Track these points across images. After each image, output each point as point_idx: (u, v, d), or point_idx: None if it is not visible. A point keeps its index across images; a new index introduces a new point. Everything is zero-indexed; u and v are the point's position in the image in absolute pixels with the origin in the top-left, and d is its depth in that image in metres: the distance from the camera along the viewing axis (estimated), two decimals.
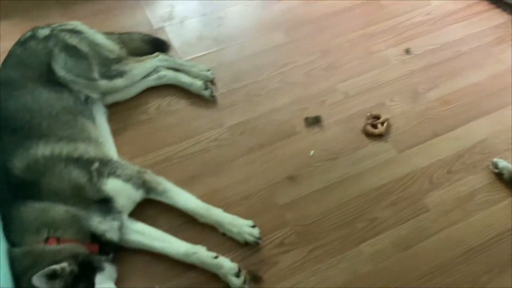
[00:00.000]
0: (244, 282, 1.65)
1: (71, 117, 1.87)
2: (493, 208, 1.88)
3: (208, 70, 2.33)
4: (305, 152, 2.06)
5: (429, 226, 1.83)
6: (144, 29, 2.51)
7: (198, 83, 2.25)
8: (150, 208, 1.84)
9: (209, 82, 2.29)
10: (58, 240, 1.53)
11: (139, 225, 1.77)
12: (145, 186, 1.81)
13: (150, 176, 1.85)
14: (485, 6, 2.72)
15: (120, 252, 1.71)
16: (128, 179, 1.78)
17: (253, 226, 1.79)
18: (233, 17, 2.69)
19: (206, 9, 2.73)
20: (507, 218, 1.84)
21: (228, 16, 2.69)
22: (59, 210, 1.59)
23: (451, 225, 1.83)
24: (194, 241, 1.73)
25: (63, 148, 1.71)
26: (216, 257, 1.68)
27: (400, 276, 1.70)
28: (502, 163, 1.95)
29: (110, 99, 2.18)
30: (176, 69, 2.32)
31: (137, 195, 1.80)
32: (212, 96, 2.24)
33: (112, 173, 1.75)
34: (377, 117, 2.15)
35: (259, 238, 1.77)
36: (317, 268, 1.73)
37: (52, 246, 1.52)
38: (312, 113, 2.19)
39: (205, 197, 1.85)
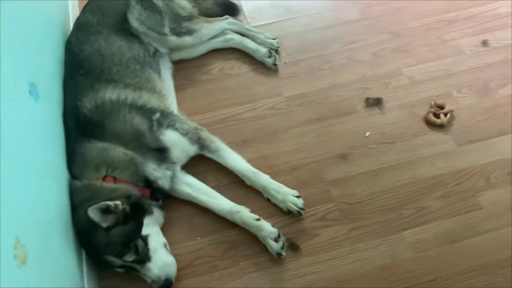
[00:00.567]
0: (282, 247, 1.69)
1: (139, 67, 1.95)
2: None
3: (274, 39, 2.33)
4: (361, 132, 2.04)
5: (478, 224, 1.77)
6: None
7: (263, 50, 2.26)
8: (202, 165, 1.91)
9: (274, 50, 2.29)
10: (115, 180, 1.64)
11: (189, 178, 1.85)
12: (200, 142, 1.88)
13: (206, 134, 1.91)
14: None
15: (168, 200, 1.81)
16: (185, 134, 1.85)
17: (298, 197, 1.81)
18: None
19: None
20: None
21: None
22: (118, 152, 1.69)
23: (502, 228, 1.76)
24: (238, 202, 1.79)
25: (129, 95, 1.80)
26: (258, 219, 1.72)
27: (440, 268, 1.67)
28: None
29: (177, 55, 2.25)
30: (243, 34, 2.34)
31: (192, 149, 1.87)
32: (275, 65, 2.25)
33: (171, 126, 1.83)
34: (441, 107, 2.07)
35: (302, 209, 1.79)
36: (356, 247, 1.73)
37: (109, 184, 1.62)
38: (374, 94, 2.15)
39: (254, 162, 1.88)
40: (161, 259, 1.60)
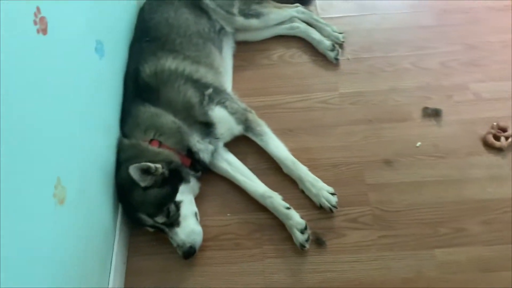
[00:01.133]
0: (307, 240, 1.69)
1: (202, 41, 2.01)
2: None
3: (341, 33, 2.30)
4: (412, 141, 1.97)
5: None
6: None
7: (327, 42, 2.24)
8: (244, 146, 1.95)
9: (338, 44, 2.26)
10: (160, 144, 1.72)
11: (230, 156, 1.90)
12: (246, 123, 1.91)
13: (253, 116, 1.94)
14: None
15: (207, 174, 1.86)
16: (233, 113, 1.89)
17: (333, 194, 1.80)
18: None
19: None
20: None
21: None
22: (168, 119, 1.77)
23: None
24: (273, 188, 1.81)
25: (187, 67, 1.87)
26: (288, 208, 1.73)
27: None
28: None
29: (241, 36, 2.29)
30: (310, 24, 2.33)
31: (237, 129, 1.91)
32: (336, 59, 2.22)
33: (221, 103, 1.88)
34: (503, 129, 1.94)
35: (334, 207, 1.77)
36: (382, 255, 1.69)
37: (154, 147, 1.71)
38: (433, 105, 2.06)
39: (295, 152, 1.89)
40: (190, 226, 1.67)
